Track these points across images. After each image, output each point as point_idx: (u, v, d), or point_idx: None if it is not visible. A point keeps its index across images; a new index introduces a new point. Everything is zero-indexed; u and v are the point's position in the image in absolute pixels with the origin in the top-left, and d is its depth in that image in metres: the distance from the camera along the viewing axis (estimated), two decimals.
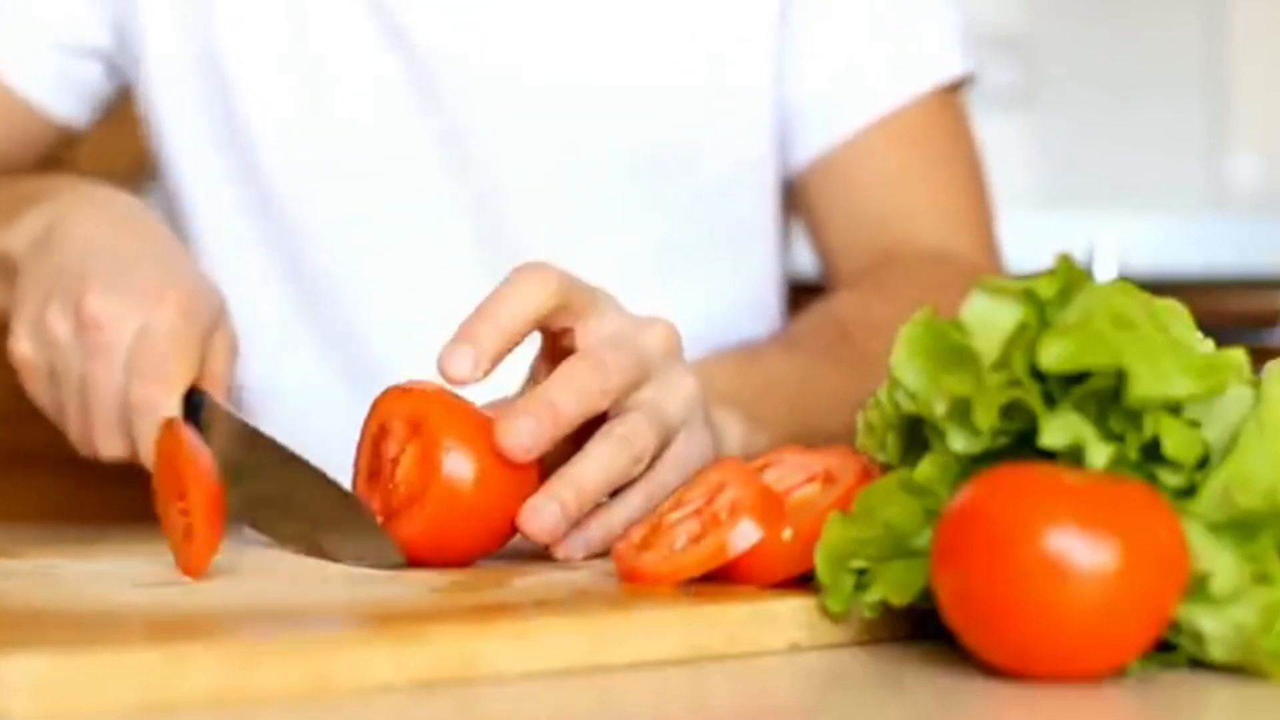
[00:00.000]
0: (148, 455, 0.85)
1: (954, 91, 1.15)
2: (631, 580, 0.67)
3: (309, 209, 1.11)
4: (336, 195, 1.10)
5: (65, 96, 1.14)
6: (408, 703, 0.54)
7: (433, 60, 1.09)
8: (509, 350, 0.74)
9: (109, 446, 0.90)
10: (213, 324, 0.90)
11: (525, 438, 0.71)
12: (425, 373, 0.76)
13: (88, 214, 0.95)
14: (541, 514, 0.71)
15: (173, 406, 0.85)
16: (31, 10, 1.12)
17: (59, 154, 1.19)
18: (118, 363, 0.88)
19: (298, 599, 0.62)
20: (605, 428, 0.74)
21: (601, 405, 0.74)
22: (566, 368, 0.74)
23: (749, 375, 0.92)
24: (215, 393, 0.88)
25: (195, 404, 0.85)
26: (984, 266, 1.12)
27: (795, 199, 1.16)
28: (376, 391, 0.78)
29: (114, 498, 1.60)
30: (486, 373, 0.73)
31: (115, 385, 0.88)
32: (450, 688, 0.55)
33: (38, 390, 0.93)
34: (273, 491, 0.78)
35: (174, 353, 0.87)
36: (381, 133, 1.10)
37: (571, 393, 0.72)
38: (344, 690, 0.54)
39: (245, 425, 0.81)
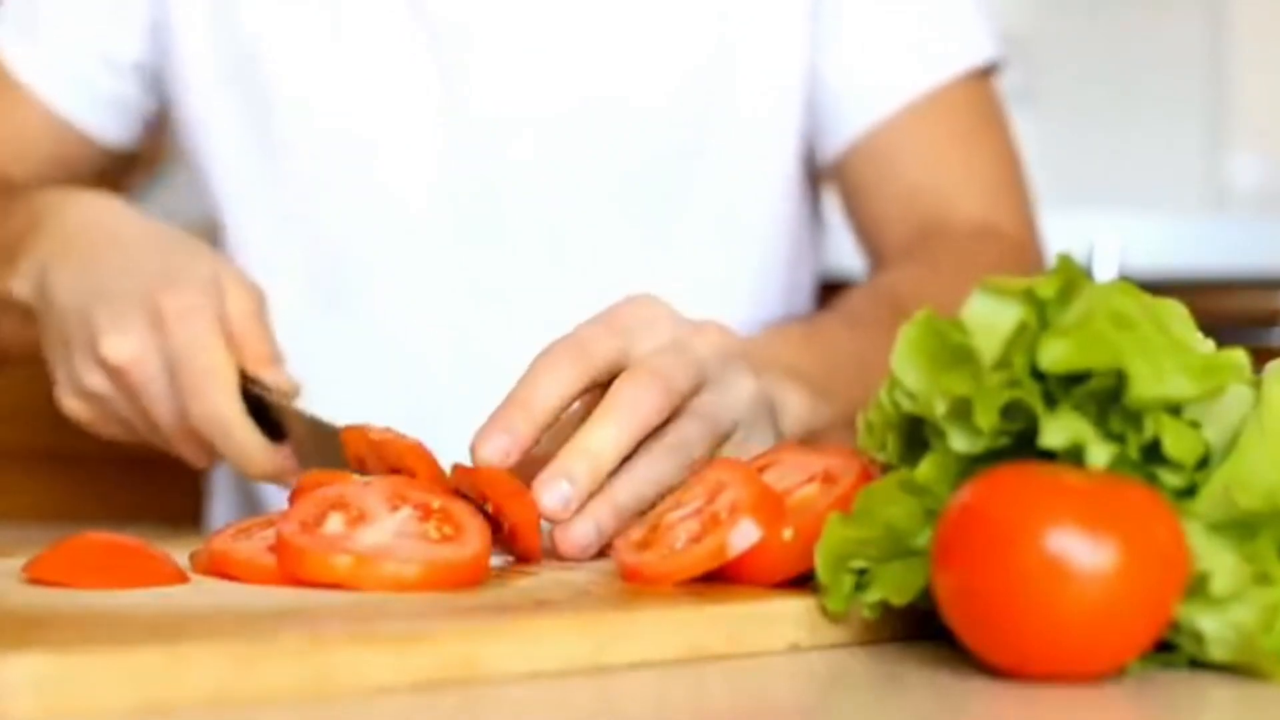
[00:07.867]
0: (235, 463, 0.89)
1: (985, 76, 1.17)
2: (631, 580, 0.67)
3: (333, 199, 1.11)
4: (361, 188, 1.10)
5: (107, 115, 1.14)
6: (408, 703, 0.54)
7: (461, 58, 1.09)
8: (543, 434, 0.73)
9: (199, 459, 0.93)
10: (221, 306, 0.91)
11: (559, 500, 0.71)
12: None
13: (64, 259, 0.95)
14: (591, 518, 0.71)
15: (235, 410, 0.88)
16: (68, 27, 1.12)
17: (111, 178, 1.18)
18: (162, 393, 0.90)
19: (298, 599, 0.62)
20: (657, 434, 0.74)
21: (655, 422, 0.73)
22: (611, 398, 0.73)
23: (812, 348, 0.91)
24: (264, 370, 0.90)
25: (250, 394, 0.89)
26: (1027, 241, 1.14)
27: (833, 183, 1.17)
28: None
29: (113, 498, 1.60)
30: (517, 460, 0.72)
31: (172, 411, 0.90)
32: (451, 688, 0.55)
33: (109, 433, 0.95)
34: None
35: (209, 363, 0.88)
36: (410, 127, 1.10)
37: (615, 428, 0.72)
38: (344, 690, 0.54)
39: (311, 417, 0.84)
